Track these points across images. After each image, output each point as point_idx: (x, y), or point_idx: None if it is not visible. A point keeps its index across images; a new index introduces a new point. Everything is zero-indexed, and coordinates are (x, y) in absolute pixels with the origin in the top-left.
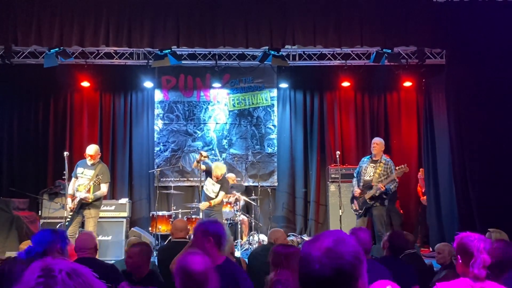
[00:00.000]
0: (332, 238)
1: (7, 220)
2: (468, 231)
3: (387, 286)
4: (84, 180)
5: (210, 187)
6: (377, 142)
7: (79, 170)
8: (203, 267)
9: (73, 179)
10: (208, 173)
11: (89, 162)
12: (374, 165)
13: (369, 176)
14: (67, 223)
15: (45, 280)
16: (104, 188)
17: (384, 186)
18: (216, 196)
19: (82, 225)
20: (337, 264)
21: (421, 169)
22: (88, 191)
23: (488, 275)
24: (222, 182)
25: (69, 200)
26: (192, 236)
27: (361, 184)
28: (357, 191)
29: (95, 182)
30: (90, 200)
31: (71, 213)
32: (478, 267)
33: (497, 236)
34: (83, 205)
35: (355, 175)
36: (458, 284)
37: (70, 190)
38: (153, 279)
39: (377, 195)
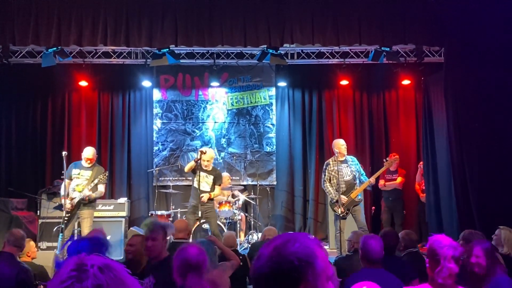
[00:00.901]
0: (285, 238)
1: (5, 220)
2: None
3: (363, 287)
4: (81, 181)
5: (203, 180)
6: (345, 144)
7: (74, 171)
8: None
9: (66, 180)
10: (195, 170)
11: (86, 164)
12: (345, 165)
13: (348, 176)
14: (63, 225)
15: (77, 274)
16: (102, 189)
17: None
18: (211, 189)
19: (78, 225)
20: (275, 262)
21: (420, 162)
22: (90, 190)
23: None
24: (215, 173)
25: (66, 201)
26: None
27: (343, 186)
28: (344, 198)
29: (100, 180)
30: (93, 197)
31: (68, 215)
32: (442, 277)
33: (507, 234)
34: (78, 206)
35: (327, 180)
36: None
37: (63, 192)
38: (153, 271)
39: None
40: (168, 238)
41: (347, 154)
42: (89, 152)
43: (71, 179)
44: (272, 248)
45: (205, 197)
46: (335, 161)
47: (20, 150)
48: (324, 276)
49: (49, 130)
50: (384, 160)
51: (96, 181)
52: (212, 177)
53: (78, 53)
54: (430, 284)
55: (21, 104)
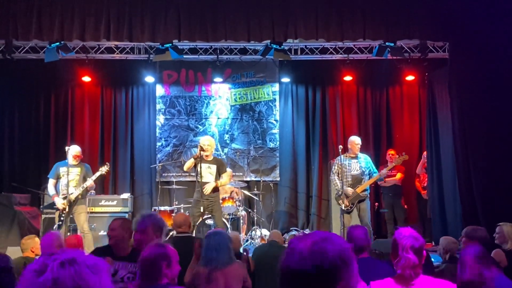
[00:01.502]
0: (321, 236)
1: (8, 215)
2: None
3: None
4: (72, 176)
5: (205, 171)
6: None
7: (62, 169)
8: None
9: (51, 180)
10: (195, 165)
11: (74, 162)
12: (355, 160)
13: (356, 171)
14: (59, 223)
15: (39, 269)
16: (92, 182)
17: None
18: (216, 179)
19: (72, 220)
20: (318, 259)
21: (424, 152)
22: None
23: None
24: (217, 162)
25: (59, 200)
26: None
27: (350, 179)
28: (350, 191)
29: (101, 171)
30: (92, 186)
31: (63, 214)
32: (400, 267)
33: (509, 229)
34: (71, 203)
35: (335, 173)
36: (382, 285)
37: (53, 191)
38: (137, 257)
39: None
40: (163, 235)
41: (360, 152)
42: (77, 149)
43: (58, 178)
44: (310, 245)
45: (208, 187)
46: (346, 156)
47: (23, 145)
48: (357, 277)
49: (52, 125)
50: (397, 155)
51: (97, 173)
52: (215, 166)
53: (81, 48)
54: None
55: (24, 99)
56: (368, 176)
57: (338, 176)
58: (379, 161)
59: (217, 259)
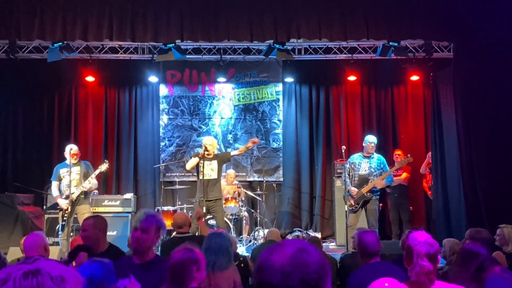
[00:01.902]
0: (295, 246)
1: (12, 215)
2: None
3: (385, 283)
4: (74, 175)
5: (207, 168)
6: (376, 141)
7: (62, 171)
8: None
9: (54, 182)
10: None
11: (72, 161)
12: (367, 160)
13: (365, 171)
14: (63, 223)
15: (4, 277)
16: (95, 181)
17: (383, 180)
18: (219, 173)
19: (75, 220)
20: (302, 272)
21: (429, 152)
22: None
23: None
24: (216, 157)
25: (63, 201)
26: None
27: (356, 179)
28: (354, 190)
29: (101, 169)
30: (93, 189)
31: (66, 214)
32: (415, 274)
33: (509, 231)
34: (73, 202)
35: (347, 172)
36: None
37: (56, 192)
38: (114, 253)
39: (377, 189)
40: (161, 236)
41: (372, 152)
42: (75, 147)
43: (60, 180)
44: (290, 258)
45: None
46: (359, 155)
47: (27, 145)
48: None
49: (56, 125)
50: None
51: (97, 171)
52: (215, 161)
53: (85, 48)
54: (407, 281)
55: (28, 99)
56: (375, 177)
57: (349, 175)
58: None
59: (215, 262)
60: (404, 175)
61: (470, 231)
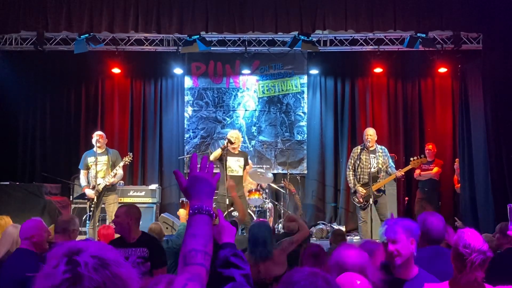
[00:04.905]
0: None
1: (39, 205)
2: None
3: (357, 281)
4: (100, 166)
5: (234, 164)
6: (373, 133)
7: (90, 159)
8: None
9: (82, 171)
10: (221, 157)
11: (98, 150)
12: (373, 155)
13: (374, 168)
14: (90, 213)
15: (71, 277)
16: (121, 171)
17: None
18: (243, 171)
19: (102, 210)
20: None
21: (456, 159)
22: (115, 176)
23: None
24: (243, 155)
25: (90, 191)
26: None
27: (366, 177)
28: (362, 191)
29: (125, 161)
30: (116, 182)
31: (93, 204)
32: (466, 284)
33: None
34: (102, 192)
35: (350, 168)
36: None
37: (84, 182)
38: (147, 242)
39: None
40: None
41: (377, 144)
42: (99, 133)
43: (88, 169)
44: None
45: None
46: (363, 149)
47: (54, 136)
48: None
49: (83, 116)
50: (411, 159)
51: (121, 163)
52: (242, 159)
53: (111, 40)
54: (452, 283)
55: (56, 90)
56: (385, 173)
57: (354, 171)
58: (408, 156)
59: (261, 252)
60: (435, 169)
61: (500, 225)
